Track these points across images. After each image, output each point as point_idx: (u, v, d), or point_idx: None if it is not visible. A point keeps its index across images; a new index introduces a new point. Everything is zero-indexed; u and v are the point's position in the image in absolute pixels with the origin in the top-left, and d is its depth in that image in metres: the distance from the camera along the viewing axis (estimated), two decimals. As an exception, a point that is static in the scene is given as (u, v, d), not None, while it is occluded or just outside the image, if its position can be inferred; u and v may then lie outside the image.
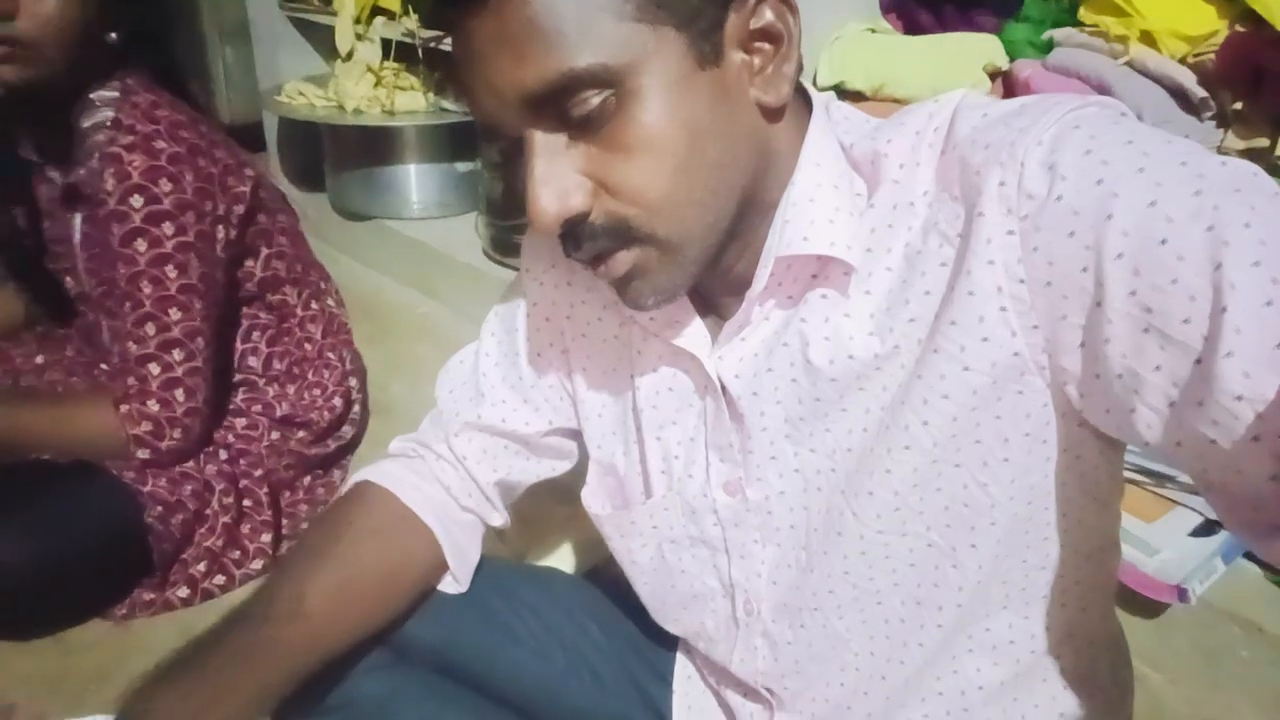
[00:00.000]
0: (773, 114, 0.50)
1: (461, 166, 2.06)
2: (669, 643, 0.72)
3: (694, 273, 0.50)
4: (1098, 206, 0.40)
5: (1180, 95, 0.87)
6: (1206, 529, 1.03)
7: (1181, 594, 0.93)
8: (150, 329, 1.01)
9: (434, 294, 1.95)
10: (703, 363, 0.56)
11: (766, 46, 0.48)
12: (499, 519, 0.72)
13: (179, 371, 1.02)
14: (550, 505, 1.02)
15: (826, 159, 0.51)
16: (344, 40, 1.93)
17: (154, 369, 1.01)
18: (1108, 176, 0.40)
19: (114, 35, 1.00)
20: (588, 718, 0.69)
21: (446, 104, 1.94)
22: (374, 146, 2.03)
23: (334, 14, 1.94)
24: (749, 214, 0.51)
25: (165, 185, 0.98)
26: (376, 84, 1.94)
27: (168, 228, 0.99)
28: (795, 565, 0.58)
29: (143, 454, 1.03)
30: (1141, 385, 0.40)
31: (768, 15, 0.47)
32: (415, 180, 2.06)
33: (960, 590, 0.53)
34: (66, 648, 1.05)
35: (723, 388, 0.56)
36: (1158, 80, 0.87)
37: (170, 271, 1.00)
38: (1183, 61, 0.87)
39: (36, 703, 0.97)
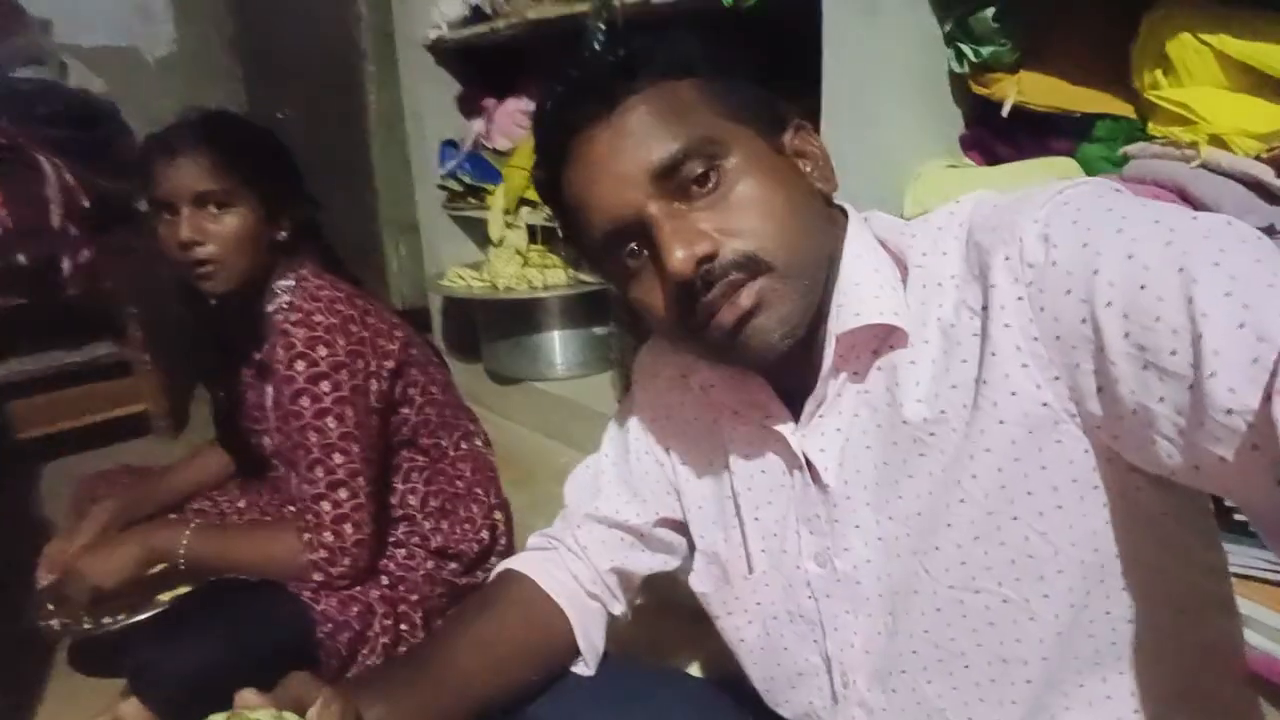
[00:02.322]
0: (828, 203, 0.62)
1: (598, 330, 2.26)
2: None
3: (806, 307, 0.58)
4: (1086, 265, 0.47)
5: (1259, 188, 0.89)
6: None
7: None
8: (319, 472, 1.18)
9: (574, 444, 2.09)
10: (788, 439, 0.63)
11: (814, 149, 0.62)
12: (619, 608, 0.78)
13: (346, 508, 1.18)
14: (680, 624, 1.06)
15: (866, 250, 0.61)
16: (496, 229, 2.22)
17: (326, 506, 1.18)
18: (1091, 239, 0.47)
19: (283, 234, 1.26)
20: None
21: (583, 276, 2.17)
22: (522, 317, 2.27)
23: (487, 209, 2.25)
24: (824, 296, 0.60)
25: (322, 351, 1.18)
26: (524, 264, 2.21)
27: (325, 386, 1.18)
28: (884, 631, 0.61)
29: (318, 577, 1.18)
30: (1153, 417, 0.44)
31: (800, 139, 0.61)
32: (559, 344, 2.28)
33: (1041, 643, 0.54)
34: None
35: (808, 463, 0.62)
36: (1235, 177, 0.90)
37: (330, 423, 1.18)
38: (1257, 158, 0.90)
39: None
